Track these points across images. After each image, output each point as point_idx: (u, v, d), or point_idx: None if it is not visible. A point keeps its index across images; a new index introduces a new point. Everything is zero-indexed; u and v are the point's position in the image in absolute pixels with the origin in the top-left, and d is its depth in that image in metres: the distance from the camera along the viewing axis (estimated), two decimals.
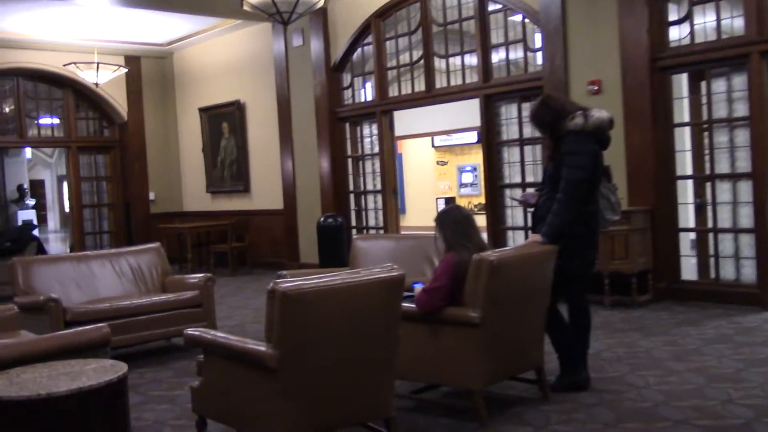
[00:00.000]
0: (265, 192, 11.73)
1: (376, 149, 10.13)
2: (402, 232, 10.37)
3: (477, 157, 17.62)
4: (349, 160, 10.52)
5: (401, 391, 4.24)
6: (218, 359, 3.51)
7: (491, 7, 8.50)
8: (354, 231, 10.42)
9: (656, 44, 7.05)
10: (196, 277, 6.34)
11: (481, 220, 4.83)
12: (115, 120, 13.23)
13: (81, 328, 3.81)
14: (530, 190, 8.10)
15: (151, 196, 13.35)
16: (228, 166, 12.40)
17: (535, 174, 8.30)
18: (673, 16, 7.08)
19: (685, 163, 7.30)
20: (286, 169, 11.13)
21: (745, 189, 6.74)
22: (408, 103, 9.77)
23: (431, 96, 9.33)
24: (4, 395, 2.93)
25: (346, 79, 10.44)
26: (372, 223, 10.40)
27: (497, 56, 8.60)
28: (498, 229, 8.57)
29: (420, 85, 9.45)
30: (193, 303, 6.09)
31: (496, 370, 4.03)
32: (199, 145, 12.87)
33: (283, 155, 11.16)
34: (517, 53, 8.45)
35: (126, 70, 11.87)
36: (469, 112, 12.34)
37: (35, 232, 11.88)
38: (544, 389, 4.29)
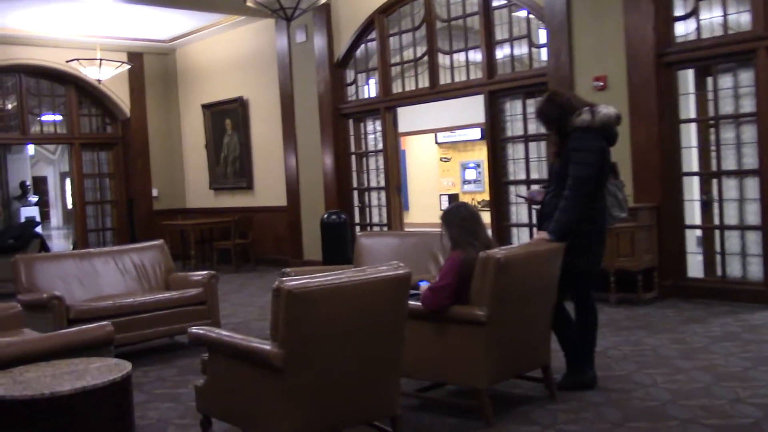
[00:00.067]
0: (268, 189, 11.70)
1: (380, 146, 10.10)
2: (405, 229, 10.35)
3: (480, 154, 17.57)
4: (353, 157, 10.49)
5: (406, 390, 4.20)
6: (223, 358, 3.48)
7: (495, 3, 8.45)
8: (357, 228, 10.39)
9: (662, 40, 7.00)
10: (200, 274, 6.31)
11: (485, 217, 4.80)
12: (117, 117, 13.20)
13: (84, 327, 3.79)
14: (535, 187, 8.11)
15: (154, 192, 13.33)
16: (231, 163, 12.37)
17: (539, 171, 8.27)
18: (679, 12, 7.03)
19: (691, 160, 7.25)
20: (290, 166, 11.10)
21: (752, 186, 6.69)
22: (412, 100, 9.73)
23: (435, 92, 9.29)
24: (8, 395, 2.91)
25: (350, 75, 10.39)
26: (375, 220, 10.36)
27: (501, 52, 8.55)
28: (502, 226, 8.53)
29: (424, 82, 9.41)
30: (196, 300, 6.06)
31: (503, 369, 3.99)
32: (202, 141, 12.84)
33: (287, 152, 11.13)
34: (521, 49, 8.40)
35: (129, 66, 11.84)
36: (473, 108, 12.32)
37: (38, 229, 11.86)
38: (550, 388, 4.25)
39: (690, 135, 7.27)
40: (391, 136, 9.97)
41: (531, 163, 8.32)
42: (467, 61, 8.94)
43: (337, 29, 10.26)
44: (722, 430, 3.64)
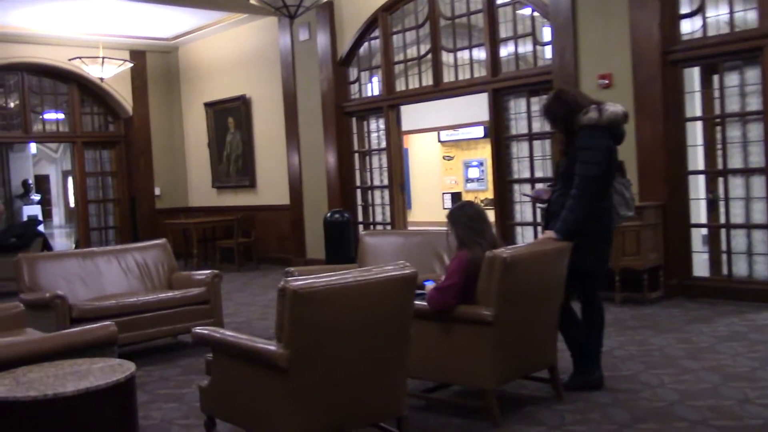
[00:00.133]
0: (271, 187, 11.67)
1: (383, 144, 10.06)
2: (409, 228, 10.31)
3: (483, 152, 17.56)
4: (356, 155, 10.45)
5: (411, 390, 4.16)
6: (227, 358, 3.45)
7: (500, 1, 8.41)
8: (361, 227, 10.35)
9: (668, 37, 6.96)
10: (203, 273, 6.28)
11: (488, 216, 4.79)
12: (120, 115, 13.18)
13: (88, 327, 3.76)
14: (540, 186, 8.07)
15: (157, 191, 13.31)
16: (234, 161, 12.34)
17: (544, 169, 8.23)
18: (685, 9, 6.98)
19: (697, 158, 7.22)
20: (293, 164, 11.07)
21: (759, 184, 6.66)
22: (415, 98, 9.69)
23: (439, 90, 9.25)
24: (11, 396, 2.89)
25: (353, 73, 10.36)
26: (379, 218, 10.33)
27: (506, 50, 8.51)
28: (506, 225, 8.48)
29: (428, 80, 9.37)
30: (200, 300, 6.03)
31: (509, 369, 3.96)
32: (205, 140, 12.81)
33: (290, 150, 11.10)
34: (526, 47, 8.36)
35: (131, 64, 11.82)
36: (476, 106, 12.29)
37: (41, 227, 11.84)
38: (557, 388, 4.22)
39: (696, 133, 7.23)
40: (395, 135, 9.94)
41: (535, 161, 8.28)
42: (471, 59, 8.90)
43: (341, 27, 10.22)
44: None
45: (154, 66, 13.20)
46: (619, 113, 4.25)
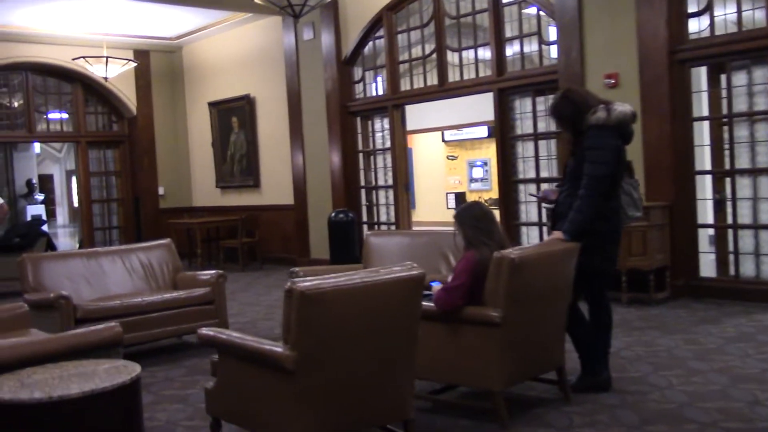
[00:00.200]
0: (275, 187, 11.65)
1: (388, 144, 10.03)
2: (413, 228, 10.27)
3: (487, 152, 17.52)
4: (360, 155, 10.42)
5: (418, 392, 4.13)
6: (233, 360, 3.42)
7: (505, 0, 8.37)
8: (365, 227, 10.32)
9: (675, 36, 6.91)
10: (208, 273, 6.25)
11: (495, 216, 4.77)
12: (124, 114, 13.17)
13: (93, 328, 3.73)
14: (545, 186, 8.04)
15: (160, 191, 13.30)
16: (238, 161, 12.32)
17: (549, 169, 8.19)
18: (692, 8, 6.94)
19: (704, 158, 7.17)
20: (297, 164, 11.04)
21: (766, 184, 6.63)
22: (420, 97, 9.65)
23: (444, 90, 9.22)
24: (15, 398, 2.86)
25: (358, 72, 10.33)
26: (383, 218, 10.30)
27: (511, 50, 8.47)
28: (511, 225, 8.45)
29: (432, 79, 9.34)
30: (204, 300, 6.00)
31: (517, 371, 3.92)
32: (209, 139, 12.80)
33: (294, 150, 11.07)
34: (531, 46, 8.33)
35: (135, 64, 11.80)
36: (480, 106, 12.24)
37: (44, 227, 11.83)
38: (565, 390, 4.18)
39: (703, 133, 7.19)
40: (399, 134, 9.91)
41: (541, 161, 8.24)
42: (476, 58, 8.87)
43: (345, 26, 10.19)
44: None
45: (158, 65, 13.19)
46: (627, 113, 4.21)
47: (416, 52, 9.57)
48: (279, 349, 3.07)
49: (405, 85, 9.76)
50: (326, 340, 3.08)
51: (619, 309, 6.51)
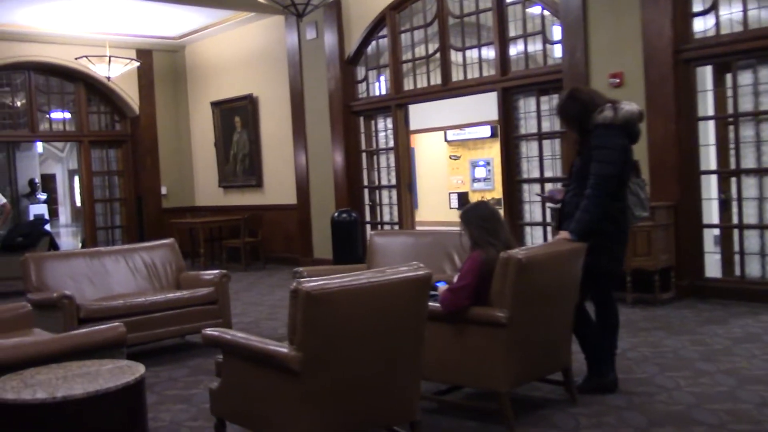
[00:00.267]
0: (278, 187, 11.62)
1: (391, 143, 10.01)
2: (417, 228, 10.25)
3: (490, 152, 17.49)
4: (363, 155, 10.40)
5: (423, 392, 4.08)
6: (238, 360, 3.39)
7: None
8: (368, 226, 10.30)
9: (680, 35, 6.88)
10: (211, 273, 6.23)
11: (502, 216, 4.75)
12: (126, 114, 13.15)
13: (96, 328, 3.71)
14: (549, 186, 8.01)
15: (163, 190, 13.28)
16: (240, 161, 12.30)
17: (554, 169, 8.16)
18: (697, 7, 6.91)
19: (709, 158, 7.14)
20: (300, 164, 11.02)
21: None
22: (423, 97, 9.62)
23: (447, 89, 9.19)
24: (19, 398, 2.84)
25: (361, 72, 10.30)
26: (386, 218, 10.27)
27: (515, 49, 8.45)
28: (515, 225, 8.41)
29: (436, 79, 9.31)
30: (208, 300, 5.98)
31: (524, 372, 3.90)
32: (211, 139, 12.77)
33: (297, 150, 11.05)
34: (535, 46, 8.29)
35: (138, 63, 11.79)
36: (483, 106, 12.24)
37: (47, 226, 11.81)
38: (571, 391, 4.16)
39: (708, 133, 7.15)
40: (403, 134, 9.89)
41: (545, 161, 8.21)
42: (480, 58, 8.83)
43: (348, 26, 10.17)
44: None
45: (160, 65, 13.17)
46: (634, 112, 4.19)
47: (419, 51, 9.54)
48: (284, 350, 3.04)
49: (408, 85, 9.73)
50: (332, 341, 3.06)
51: (624, 309, 6.46)
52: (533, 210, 8.41)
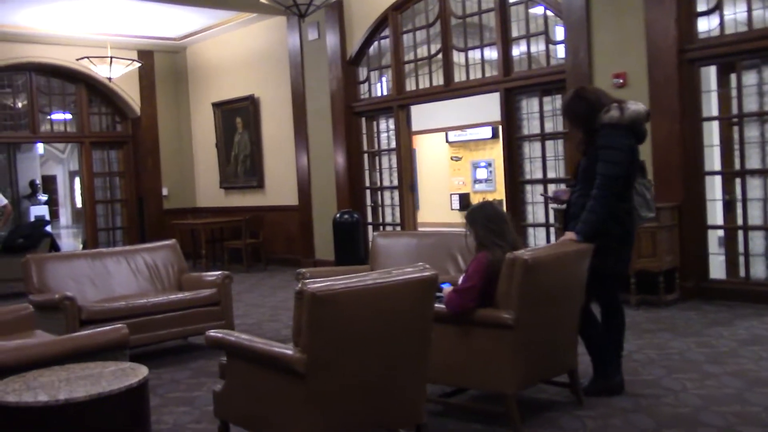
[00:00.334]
0: (279, 188, 11.59)
1: (393, 144, 9.98)
2: (419, 229, 10.21)
3: (491, 153, 17.44)
4: (365, 156, 10.37)
5: (428, 395, 4.05)
6: (242, 362, 3.36)
7: (512, 0, 8.32)
8: (370, 228, 10.26)
9: (684, 35, 6.85)
10: (214, 274, 6.19)
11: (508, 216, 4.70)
12: (128, 115, 13.12)
13: (99, 329, 3.69)
14: (552, 187, 7.97)
15: (164, 191, 13.25)
16: (242, 162, 12.27)
17: (556, 170, 8.13)
18: (702, 7, 6.88)
19: (713, 159, 7.10)
20: (301, 165, 10.99)
21: None
22: (426, 98, 9.59)
23: (450, 90, 9.16)
24: (21, 401, 2.81)
25: (363, 73, 10.27)
26: (388, 219, 10.24)
27: (518, 49, 8.41)
28: (518, 226, 8.36)
29: (438, 79, 9.28)
30: (210, 301, 5.95)
31: (530, 374, 3.86)
32: (213, 140, 12.74)
33: (298, 150, 11.02)
34: (538, 46, 8.26)
35: (139, 64, 11.75)
36: (484, 107, 12.19)
37: (48, 228, 11.78)
38: (577, 393, 4.12)
39: (712, 133, 7.12)
40: (405, 135, 9.85)
41: (548, 161, 8.18)
42: (482, 58, 8.80)
43: (350, 26, 10.14)
44: None
45: (162, 66, 13.14)
46: (641, 112, 4.16)
47: (422, 52, 9.51)
48: (289, 352, 3.01)
49: (410, 86, 9.70)
50: (338, 343, 3.02)
51: (628, 311, 6.36)
52: (536, 211, 8.38)
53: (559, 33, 7.96)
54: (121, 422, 2.98)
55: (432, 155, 18.80)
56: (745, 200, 6.75)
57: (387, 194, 10.25)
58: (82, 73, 12.02)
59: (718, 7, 6.76)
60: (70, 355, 3.39)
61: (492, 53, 8.69)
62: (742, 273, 6.84)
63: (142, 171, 13.09)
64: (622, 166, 4.06)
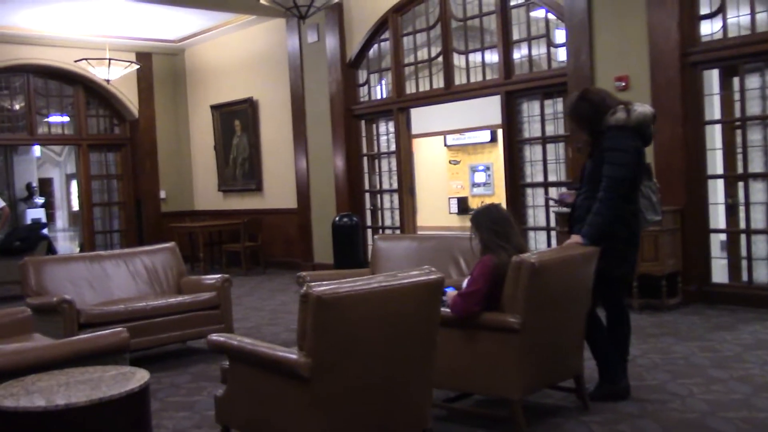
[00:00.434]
0: (278, 191, 11.54)
1: (392, 147, 9.93)
2: (419, 232, 10.17)
3: (490, 156, 17.42)
4: (365, 159, 10.32)
5: (433, 400, 4.02)
6: (245, 367, 3.30)
7: (513, 2, 8.28)
8: (369, 231, 10.21)
9: (687, 38, 6.82)
10: (213, 278, 6.14)
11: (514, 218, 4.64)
12: (126, 117, 13.06)
13: (99, 333, 3.63)
14: (553, 190, 7.94)
15: (162, 194, 13.18)
16: (240, 165, 12.21)
17: (557, 173, 8.09)
18: (704, 10, 6.84)
19: (716, 162, 7.06)
20: (300, 168, 10.94)
21: None
22: (426, 100, 9.55)
23: (450, 93, 9.12)
24: (20, 406, 2.75)
25: (362, 75, 10.23)
26: (388, 222, 10.19)
27: (519, 53, 8.38)
28: (519, 230, 8.31)
29: (438, 82, 9.24)
30: (210, 305, 5.89)
31: (536, 379, 3.81)
32: (211, 142, 12.69)
33: (297, 153, 10.97)
34: (539, 49, 8.23)
35: (137, 66, 11.69)
36: (484, 110, 12.14)
37: (45, 231, 11.71)
38: (583, 398, 4.07)
39: (715, 136, 7.08)
40: (404, 138, 9.81)
41: (549, 165, 8.14)
42: (483, 61, 8.76)
43: (350, 29, 10.10)
44: None
45: (160, 68, 13.09)
46: (647, 114, 4.12)
47: (422, 54, 9.47)
48: (294, 356, 2.96)
49: (410, 88, 9.66)
50: (343, 346, 2.97)
51: (631, 315, 6.33)
52: (537, 214, 8.34)
53: (560, 36, 7.93)
54: (122, 428, 2.92)
55: (430, 159, 18.76)
56: (747, 204, 6.71)
57: (386, 197, 10.20)
58: (80, 75, 11.96)
59: (721, 10, 6.73)
60: (70, 359, 3.32)
61: (493, 56, 8.65)
62: (744, 277, 6.81)
63: (140, 173, 13.02)
64: (629, 168, 4.02)
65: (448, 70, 9.06)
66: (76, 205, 20.30)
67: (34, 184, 21.60)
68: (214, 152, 12.64)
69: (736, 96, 6.76)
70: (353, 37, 10.07)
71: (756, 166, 6.68)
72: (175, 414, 4.40)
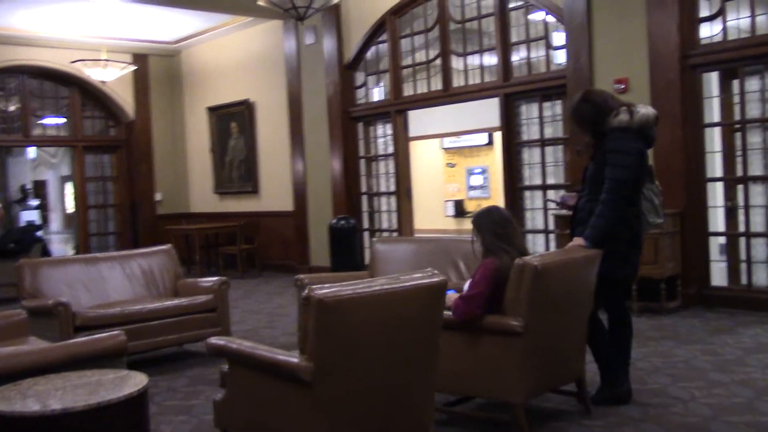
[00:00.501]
0: (274, 193, 11.49)
1: (390, 150, 9.90)
2: (416, 235, 10.13)
3: (486, 159, 17.39)
4: (362, 161, 10.28)
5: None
6: (245, 371, 3.26)
7: (512, 4, 8.26)
8: (366, 233, 10.17)
9: (686, 41, 6.80)
10: (210, 280, 6.09)
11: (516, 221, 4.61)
12: (121, 119, 12.99)
13: (96, 336, 3.58)
14: (552, 193, 7.91)
15: (158, 196, 13.11)
16: (236, 167, 12.16)
17: (556, 176, 8.07)
18: (704, 12, 6.83)
19: (715, 165, 7.04)
20: (297, 170, 10.89)
21: None
22: (424, 103, 9.51)
23: (448, 95, 9.09)
24: (16, 410, 2.70)
25: (360, 77, 10.20)
26: (385, 225, 10.15)
27: (517, 55, 8.36)
28: (520, 231, 8.28)
29: (436, 84, 9.21)
30: (207, 308, 5.84)
31: (538, 382, 3.77)
32: (207, 145, 12.64)
33: (294, 156, 10.92)
34: (538, 51, 8.20)
35: (134, 68, 11.64)
36: (480, 113, 12.09)
37: (39, 233, 11.64)
38: (585, 402, 4.04)
39: (714, 139, 7.07)
40: (402, 140, 9.78)
41: (547, 167, 8.11)
42: (482, 63, 8.74)
43: (347, 30, 10.07)
44: None
45: (156, 70, 13.03)
46: (650, 116, 4.09)
47: (420, 56, 9.44)
48: (295, 360, 2.91)
49: (408, 91, 9.62)
50: (344, 349, 2.93)
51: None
52: (535, 217, 8.31)
53: (559, 38, 7.90)
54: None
55: (427, 162, 18.72)
56: (747, 207, 6.70)
57: (384, 200, 10.16)
58: (75, 76, 11.89)
59: (720, 13, 6.72)
60: (67, 363, 3.28)
61: (491, 59, 8.62)
62: (743, 280, 6.79)
63: (136, 175, 12.95)
64: (632, 170, 3.99)
65: (446, 72, 9.03)
66: (70, 208, 20.21)
67: (29, 186, 21.50)
68: (211, 154, 12.59)
69: (736, 99, 6.75)
70: (351, 38, 10.04)
71: (755, 169, 6.66)
72: (174, 418, 4.34)
